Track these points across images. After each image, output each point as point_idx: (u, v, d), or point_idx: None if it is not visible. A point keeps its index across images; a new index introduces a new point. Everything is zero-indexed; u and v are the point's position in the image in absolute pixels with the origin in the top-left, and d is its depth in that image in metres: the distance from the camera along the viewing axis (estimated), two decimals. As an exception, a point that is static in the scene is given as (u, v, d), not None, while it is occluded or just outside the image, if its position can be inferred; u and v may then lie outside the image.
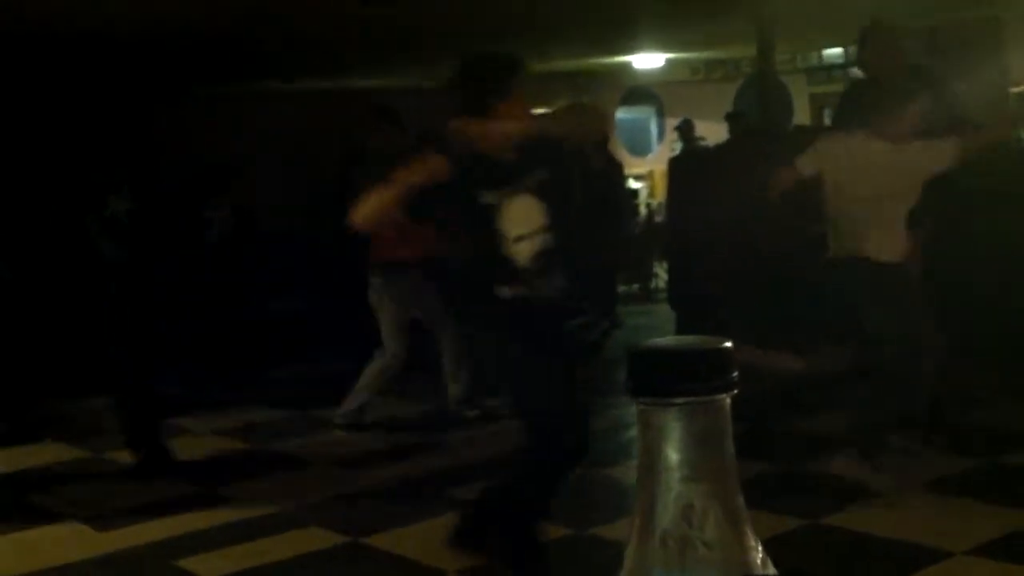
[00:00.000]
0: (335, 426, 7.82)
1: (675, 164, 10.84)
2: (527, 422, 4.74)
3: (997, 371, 7.81)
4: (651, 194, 15.61)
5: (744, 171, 8.41)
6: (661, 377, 0.69)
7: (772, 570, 0.71)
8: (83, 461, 7.60)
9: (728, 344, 0.70)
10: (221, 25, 8.94)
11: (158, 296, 7.25)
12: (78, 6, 7.77)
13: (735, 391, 0.69)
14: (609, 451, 7.00)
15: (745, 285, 8.83)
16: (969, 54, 11.23)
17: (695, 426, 0.70)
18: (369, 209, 4.77)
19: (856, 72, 8.88)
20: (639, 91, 16.38)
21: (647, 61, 14.66)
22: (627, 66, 15.11)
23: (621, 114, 16.36)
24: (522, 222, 4.66)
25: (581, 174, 9.92)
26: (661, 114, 16.80)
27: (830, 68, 15.42)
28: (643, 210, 15.00)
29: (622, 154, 14.02)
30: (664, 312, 10.72)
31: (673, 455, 0.70)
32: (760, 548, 0.71)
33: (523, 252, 4.64)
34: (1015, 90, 12.40)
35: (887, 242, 5.63)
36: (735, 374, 0.69)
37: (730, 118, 11.46)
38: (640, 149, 16.57)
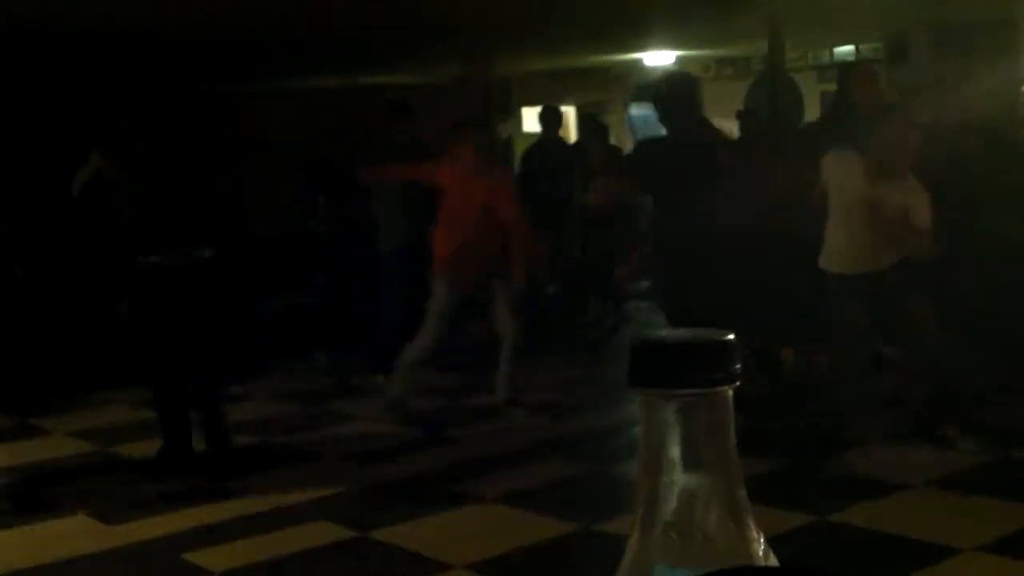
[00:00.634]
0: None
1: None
2: None
3: (1005, 368, 7.81)
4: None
5: (754, 169, 8.40)
6: (663, 369, 0.69)
7: (774, 562, 0.71)
8: (91, 455, 7.62)
9: (731, 336, 0.70)
10: (230, 22, 8.94)
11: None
12: (89, 3, 7.79)
13: (737, 383, 0.69)
14: (615, 447, 7.02)
15: (746, 286, 8.81)
16: (980, 54, 11.20)
17: (697, 418, 0.70)
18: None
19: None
20: (648, 88, 16.36)
21: (658, 58, 14.65)
22: (638, 63, 15.10)
23: (632, 111, 16.35)
24: None
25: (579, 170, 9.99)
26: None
27: (841, 66, 15.38)
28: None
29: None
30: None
31: (675, 447, 0.70)
32: (762, 540, 0.71)
33: None
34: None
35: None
36: (737, 366, 0.69)
37: (741, 116, 11.43)
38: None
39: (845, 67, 7.46)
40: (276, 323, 10.23)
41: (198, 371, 6.99)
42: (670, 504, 0.70)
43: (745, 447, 0.72)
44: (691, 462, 0.70)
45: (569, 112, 16.56)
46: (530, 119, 15.99)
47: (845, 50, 15.22)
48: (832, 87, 15.23)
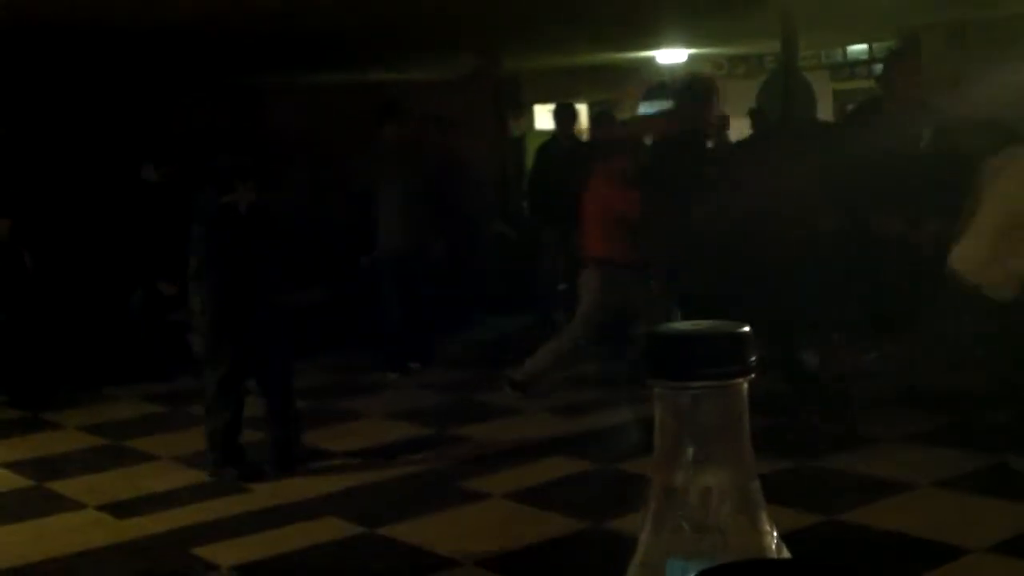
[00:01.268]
0: (507, 381, 8.20)
1: None
2: None
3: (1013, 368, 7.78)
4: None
5: (765, 167, 8.39)
6: (678, 361, 0.69)
7: (787, 555, 0.70)
8: (102, 449, 7.64)
9: (746, 328, 0.69)
10: (241, 19, 8.95)
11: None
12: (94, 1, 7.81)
13: (752, 376, 0.69)
14: (629, 444, 7.01)
15: (759, 280, 8.80)
16: (999, 52, 11.16)
17: (712, 410, 0.69)
18: None
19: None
20: (663, 86, 16.34)
21: (670, 56, 14.64)
22: (650, 61, 15.09)
23: (644, 108, 16.33)
24: None
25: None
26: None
27: (854, 64, 15.37)
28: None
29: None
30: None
31: (689, 440, 0.70)
32: (775, 533, 0.71)
33: None
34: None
35: None
36: (752, 359, 0.69)
37: (753, 114, 11.41)
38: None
39: (888, 56, 7.34)
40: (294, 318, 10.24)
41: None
42: (683, 497, 0.70)
43: (756, 444, 0.71)
44: (705, 455, 0.70)
45: (582, 110, 16.56)
46: (542, 116, 15.99)
47: (858, 48, 15.19)
48: (843, 85, 15.23)
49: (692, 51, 14.50)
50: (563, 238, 9.78)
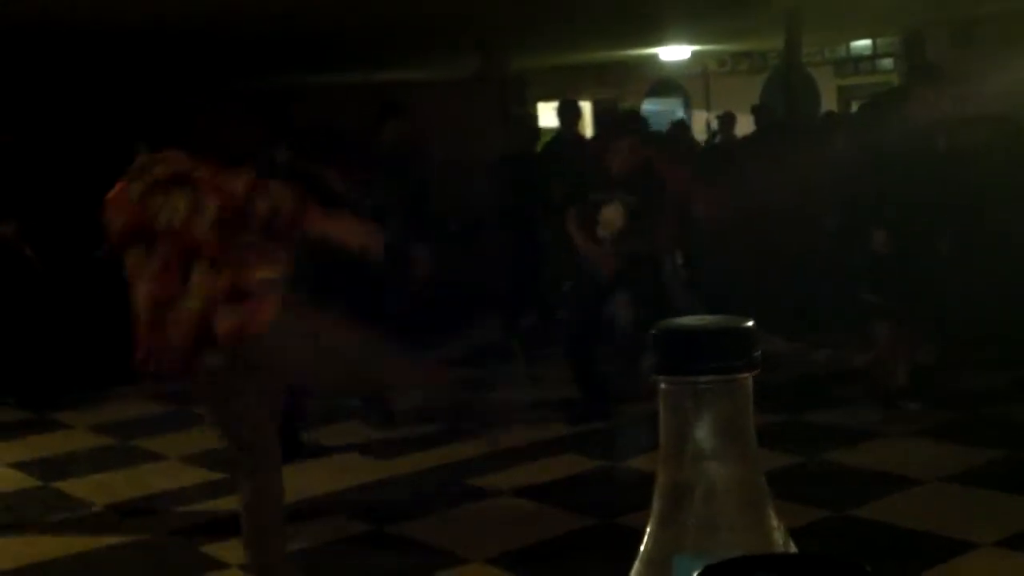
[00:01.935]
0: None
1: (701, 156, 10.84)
2: None
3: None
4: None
5: (769, 163, 8.41)
6: (683, 356, 0.69)
7: (794, 550, 0.71)
8: (109, 448, 7.65)
9: (751, 323, 0.70)
10: (241, 19, 8.97)
11: None
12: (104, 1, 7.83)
13: (757, 370, 0.69)
14: (637, 442, 7.01)
15: (766, 276, 8.81)
16: (1005, 48, 11.16)
17: (717, 405, 0.69)
18: None
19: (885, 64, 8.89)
20: (666, 83, 16.36)
21: (674, 53, 14.64)
22: (654, 58, 15.09)
23: (648, 105, 16.33)
24: None
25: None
26: (687, 106, 16.77)
27: (857, 60, 15.37)
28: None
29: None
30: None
31: (695, 435, 0.70)
32: (782, 528, 0.71)
33: None
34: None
35: None
36: (758, 353, 0.69)
37: (757, 110, 11.42)
38: (667, 140, 16.52)
39: (913, 74, 7.37)
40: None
41: None
42: (690, 492, 0.70)
43: (765, 441, 0.72)
44: (711, 450, 0.70)
45: (586, 107, 16.56)
46: (546, 114, 15.99)
47: (862, 44, 15.18)
48: (847, 81, 15.23)
49: (696, 48, 14.50)
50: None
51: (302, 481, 6.60)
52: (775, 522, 0.71)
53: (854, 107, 14.22)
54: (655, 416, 0.71)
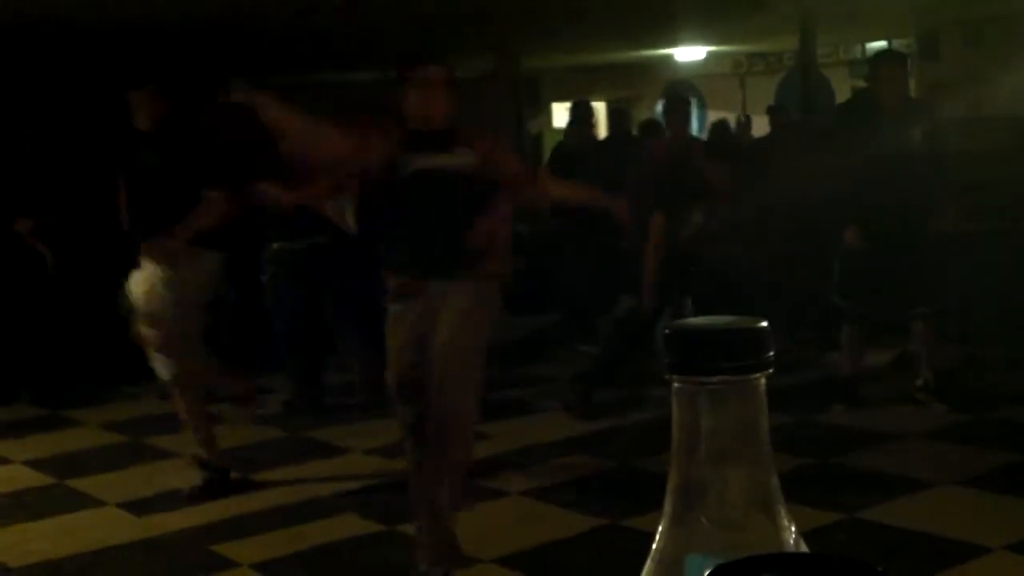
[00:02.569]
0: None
1: None
2: None
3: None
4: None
5: (785, 164, 8.39)
6: (696, 356, 0.69)
7: (805, 550, 0.70)
8: (122, 446, 7.66)
9: (764, 324, 0.69)
10: (253, 17, 8.98)
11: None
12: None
13: (770, 371, 0.69)
14: (647, 443, 7.00)
15: (784, 276, 8.80)
16: (1014, 49, 11.13)
17: (729, 406, 0.69)
18: None
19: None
20: (680, 84, 16.34)
21: (689, 54, 14.63)
22: (669, 59, 15.08)
23: (662, 106, 16.32)
24: None
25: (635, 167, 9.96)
26: (702, 107, 16.75)
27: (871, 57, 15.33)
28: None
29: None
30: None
31: (707, 435, 0.70)
32: (793, 528, 0.71)
33: None
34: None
35: None
36: (771, 354, 0.69)
37: (772, 111, 11.40)
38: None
39: (873, 58, 7.44)
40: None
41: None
42: (702, 492, 0.70)
43: (777, 443, 0.72)
44: (723, 450, 0.70)
45: (599, 108, 16.56)
46: (560, 114, 15.99)
47: (877, 45, 15.15)
48: (862, 82, 15.20)
49: (710, 48, 14.48)
50: (583, 234, 9.79)
51: (314, 480, 6.61)
52: (787, 523, 0.71)
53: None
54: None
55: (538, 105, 15.98)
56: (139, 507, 6.32)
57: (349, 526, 5.83)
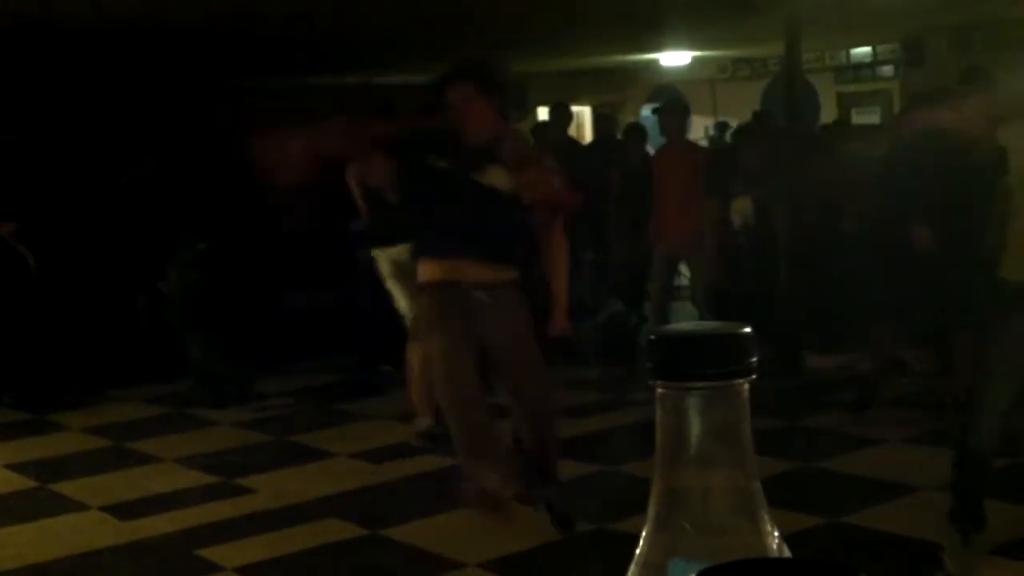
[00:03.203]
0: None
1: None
2: None
3: None
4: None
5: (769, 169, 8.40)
6: (680, 361, 0.69)
7: (788, 555, 0.71)
8: (105, 450, 7.65)
9: (747, 329, 0.70)
10: (248, 19, 8.96)
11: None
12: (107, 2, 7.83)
13: (754, 376, 0.69)
14: (632, 447, 7.01)
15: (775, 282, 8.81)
16: (1005, 54, 11.16)
17: (713, 411, 0.70)
18: None
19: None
20: (666, 89, 16.35)
21: (674, 59, 14.64)
22: (654, 63, 15.10)
23: (647, 111, 16.34)
24: None
25: (620, 172, 9.97)
26: (688, 111, 16.74)
27: (857, 67, 15.36)
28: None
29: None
30: (687, 310, 10.70)
31: (691, 440, 0.70)
32: (776, 533, 0.71)
33: None
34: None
35: None
36: (754, 359, 0.69)
37: (756, 117, 11.42)
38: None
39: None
40: (300, 319, 10.23)
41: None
42: (685, 497, 0.70)
43: (762, 447, 0.72)
44: (707, 455, 0.70)
45: (584, 112, 16.57)
46: (545, 118, 15.99)
47: (862, 51, 15.19)
48: (847, 88, 15.23)
49: (695, 53, 14.50)
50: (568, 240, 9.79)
51: (298, 484, 6.61)
52: (770, 527, 0.71)
53: (854, 114, 14.25)
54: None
55: (524, 109, 15.98)
56: (123, 511, 6.30)
57: (334, 530, 5.83)
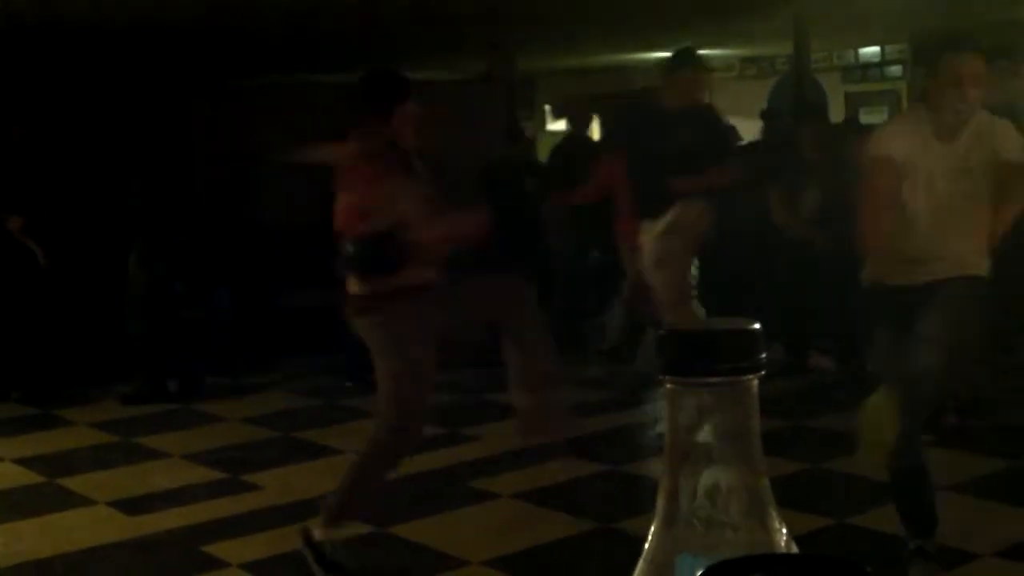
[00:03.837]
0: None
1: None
2: None
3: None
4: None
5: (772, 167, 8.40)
6: (689, 357, 0.69)
7: (796, 551, 0.71)
8: (112, 446, 7.65)
9: (756, 326, 0.70)
10: (250, 18, 8.97)
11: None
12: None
13: (763, 373, 0.70)
14: (637, 446, 7.02)
15: (773, 281, 8.80)
16: (1011, 57, 11.13)
17: (722, 407, 0.70)
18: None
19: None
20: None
21: (681, 57, 14.62)
22: (662, 62, 15.08)
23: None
24: None
25: None
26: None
27: (865, 67, 15.35)
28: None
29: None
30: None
31: (699, 436, 0.71)
32: (784, 530, 0.71)
33: None
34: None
35: None
36: (763, 356, 0.69)
37: (764, 116, 11.40)
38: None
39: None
40: (300, 317, 10.22)
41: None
42: (693, 493, 0.71)
43: (766, 448, 0.72)
44: (715, 451, 0.71)
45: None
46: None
47: (870, 51, 15.17)
48: (855, 88, 15.22)
49: (704, 52, 14.48)
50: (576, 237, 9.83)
51: (304, 481, 6.61)
52: (778, 524, 0.71)
53: (862, 114, 14.23)
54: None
55: (532, 107, 15.98)
56: (129, 506, 6.31)
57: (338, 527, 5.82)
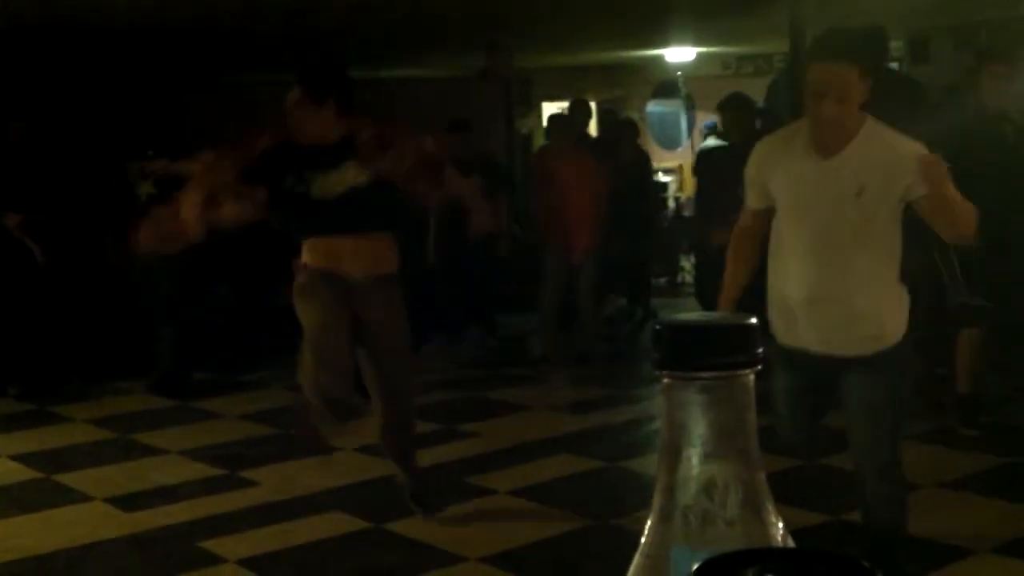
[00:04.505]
0: None
1: (702, 158, 10.81)
2: None
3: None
4: (680, 188, 15.57)
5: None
6: (686, 351, 0.70)
7: (792, 546, 0.71)
8: (110, 442, 7.65)
9: (753, 320, 0.70)
10: (249, 15, 8.97)
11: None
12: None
13: (759, 367, 0.70)
14: (633, 443, 7.02)
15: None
16: (1013, 55, 11.12)
17: (718, 401, 0.70)
18: None
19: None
20: (670, 84, 16.34)
21: (679, 55, 14.64)
22: (659, 59, 15.09)
23: (652, 107, 16.33)
24: None
25: (612, 166, 9.95)
26: (691, 108, 16.74)
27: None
28: (671, 204, 14.97)
29: (652, 148, 14.02)
30: (691, 306, 10.71)
31: (696, 431, 0.71)
32: (781, 525, 0.72)
33: None
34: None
35: None
36: (760, 350, 0.70)
37: (760, 113, 11.40)
38: (670, 143, 16.52)
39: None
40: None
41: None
42: (690, 488, 0.71)
43: (760, 442, 0.72)
44: (712, 446, 0.71)
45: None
46: (550, 114, 15.97)
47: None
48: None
49: (700, 50, 14.49)
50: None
51: (301, 477, 6.61)
52: (775, 518, 0.72)
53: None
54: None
55: (529, 104, 15.97)
56: (127, 503, 6.31)
57: (337, 523, 5.84)
